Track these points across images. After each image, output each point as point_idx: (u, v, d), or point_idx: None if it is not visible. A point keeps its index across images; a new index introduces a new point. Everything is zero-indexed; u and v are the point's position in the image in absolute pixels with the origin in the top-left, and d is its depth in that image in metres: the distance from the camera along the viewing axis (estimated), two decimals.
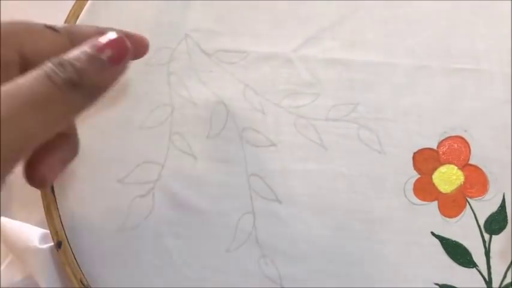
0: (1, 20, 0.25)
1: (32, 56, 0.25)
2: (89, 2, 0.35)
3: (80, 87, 0.22)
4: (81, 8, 0.35)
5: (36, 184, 0.26)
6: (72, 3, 0.35)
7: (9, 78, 0.23)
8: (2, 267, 0.36)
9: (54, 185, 0.33)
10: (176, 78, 0.34)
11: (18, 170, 0.23)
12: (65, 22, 0.35)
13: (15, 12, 0.40)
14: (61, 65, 0.22)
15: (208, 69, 0.35)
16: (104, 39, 0.23)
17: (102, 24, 0.34)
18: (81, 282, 0.32)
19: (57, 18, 0.35)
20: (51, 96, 0.22)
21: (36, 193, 0.33)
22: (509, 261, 0.32)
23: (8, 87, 0.21)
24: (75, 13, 0.35)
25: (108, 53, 0.23)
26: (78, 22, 0.35)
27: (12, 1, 0.40)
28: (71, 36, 0.27)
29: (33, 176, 0.25)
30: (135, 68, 0.34)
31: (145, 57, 0.34)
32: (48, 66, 0.22)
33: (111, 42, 0.23)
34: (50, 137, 0.22)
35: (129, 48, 0.24)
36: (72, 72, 0.22)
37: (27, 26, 0.26)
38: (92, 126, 0.34)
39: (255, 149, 0.34)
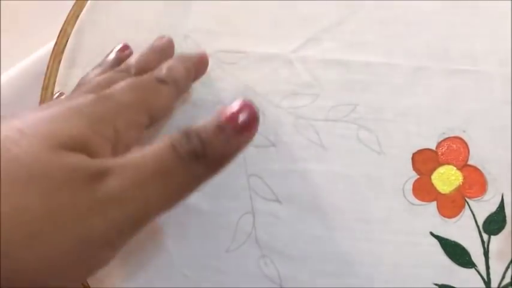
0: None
1: (156, 113, 0.26)
2: (88, 2, 0.35)
3: (204, 158, 0.22)
4: (81, 8, 0.35)
5: None
6: (72, 3, 0.35)
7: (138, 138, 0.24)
8: None
9: None
10: None
11: None
12: (65, 22, 0.35)
13: (16, 12, 0.40)
14: (187, 135, 0.22)
15: (208, 69, 0.34)
16: (232, 108, 0.23)
17: (103, 24, 0.35)
18: None
19: (57, 18, 0.35)
20: (174, 167, 0.21)
21: None
22: (508, 261, 0.32)
23: (135, 157, 0.21)
24: (75, 13, 0.35)
25: (235, 122, 0.22)
26: (78, 22, 0.35)
27: (13, 1, 0.40)
28: (176, 83, 0.28)
29: None
30: None
31: None
32: (174, 136, 0.22)
33: (239, 110, 0.23)
34: (170, 209, 0.23)
35: (257, 115, 0.23)
36: (197, 143, 0.22)
37: (147, 86, 0.26)
38: None
39: (255, 149, 0.34)
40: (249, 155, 0.34)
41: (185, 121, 0.34)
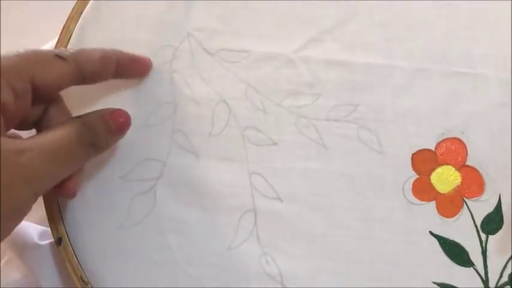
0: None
1: (42, 84, 0.28)
2: (91, 1, 0.35)
3: (97, 147, 0.30)
4: (84, 6, 0.35)
5: (67, 196, 0.31)
6: (73, 3, 0.35)
7: (23, 107, 0.28)
8: (0, 266, 0.35)
9: None
10: (179, 77, 0.35)
11: None
12: (68, 19, 0.35)
13: (16, 12, 0.40)
14: (89, 129, 0.29)
15: (210, 68, 0.35)
16: (117, 114, 0.31)
17: (105, 22, 0.35)
18: (81, 279, 0.32)
19: (58, 17, 0.35)
20: (77, 153, 0.28)
21: None
22: (506, 260, 0.33)
23: (41, 142, 0.27)
24: (78, 11, 0.35)
25: (117, 124, 0.31)
26: (81, 19, 0.35)
27: (13, 1, 0.40)
28: (78, 64, 0.30)
29: (63, 190, 0.30)
30: None
31: (148, 55, 0.34)
32: (79, 128, 0.28)
33: (121, 117, 0.31)
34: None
35: (129, 122, 0.32)
36: (95, 136, 0.29)
37: (37, 56, 0.28)
38: None
39: (257, 147, 0.34)
40: (251, 153, 0.34)
41: (187, 119, 0.34)
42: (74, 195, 0.31)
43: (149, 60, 0.34)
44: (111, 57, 0.31)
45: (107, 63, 0.31)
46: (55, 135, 0.27)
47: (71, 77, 0.29)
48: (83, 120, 0.29)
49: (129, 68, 0.33)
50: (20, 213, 0.27)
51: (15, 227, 0.27)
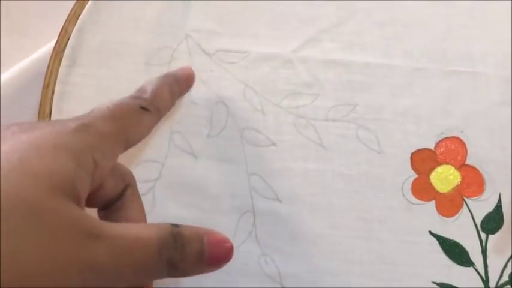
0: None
1: (134, 143, 0.27)
2: (90, 1, 0.35)
3: (176, 268, 0.24)
4: (82, 8, 0.35)
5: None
6: (72, 3, 0.35)
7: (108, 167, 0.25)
8: None
9: None
10: None
11: None
12: (66, 21, 0.35)
13: (16, 12, 0.40)
14: (175, 241, 0.23)
15: (208, 69, 0.35)
16: (220, 241, 0.25)
17: (103, 24, 0.35)
18: None
19: (58, 18, 0.35)
20: (153, 265, 0.23)
21: None
22: (506, 260, 0.33)
23: (126, 235, 0.22)
24: (75, 12, 0.35)
25: (214, 254, 0.25)
26: (79, 21, 0.35)
27: (13, 1, 0.40)
28: (159, 111, 0.29)
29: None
30: (136, 67, 0.35)
31: (146, 57, 0.35)
32: (164, 236, 0.23)
33: (223, 247, 0.25)
34: None
35: (230, 257, 0.25)
36: (178, 255, 0.23)
37: (130, 116, 0.27)
38: None
39: (255, 148, 0.34)
40: (250, 154, 0.34)
41: (186, 120, 0.34)
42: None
43: (192, 70, 0.34)
44: (176, 92, 0.32)
45: (174, 98, 0.32)
46: (137, 232, 0.23)
47: (154, 126, 0.29)
48: (175, 230, 0.24)
49: (183, 90, 0.34)
50: None
51: None
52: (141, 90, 0.29)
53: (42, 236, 0.20)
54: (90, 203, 0.27)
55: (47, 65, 0.34)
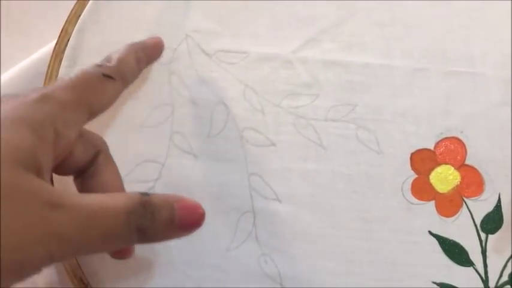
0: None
1: (98, 111, 0.27)
2: (90, 1, 0.35)
3: (146, 234, 0.24)
4: (83, 8, 0.35)
5: (120, 258, 0.29)
6: (73, 3, 0.35)
7: (74, 135, 0.25)
8: None
9: (54, 183, 0.33)
10: (177, 78, 0.35)
11: None
12: (66, 22, 0.35)
13: (16, 12, 0.40)
14: (144, 209, 0.23)
15: (208, 69, 0.35)
16: (190, 207, 0.25)
17: (104, 24, 0.35)
18: (81, 280, 0.32)
19: (58, 18, 0.35)
20: (120, 233, 0.23)
21: None
22: (506, 260, 0.33)
23: (90, 205, 0.22)
24: (76, 13, 0.35)
25: (185, 219, 0.25)
26: (79, 22, 0.35)
27: (13, 1, 0.40)
28: (124, 78, 0.28)
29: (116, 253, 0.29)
30: None
31: None
32: (132, 204, 0.23)
33: (194, 213, 0.25)
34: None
35: (201, 222, 0.25)
36: (148, 222, 0.23)
37: (89, 82, 0.26)
38: (92, 125, 0.34)
39: (255, 148, 0.34)
40: (250, 154, 0.34)
41: (186, 120, 0.34)
42: (129, 256, 0.29)
43: (161, 40, 0.32)
44: (143, 58, 0.31)
45: (141, 64, 0.30)
46: (101, 202, 0.23)
47: (119, 94, 0.28)
48: (144, 198, 0.24)
49: (153, 58, 0.32)
50: (24, 271, 0.21)
51: (13, 283, 0.22)
52: (106, 58, 0.29)
53: (3, 210, 0.20)
54: (61, 171, 0.27)
55: (47, 65, 0.34)
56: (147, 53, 0.31)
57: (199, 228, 0.25)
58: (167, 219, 0.24)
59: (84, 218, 0.22)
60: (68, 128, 0.25)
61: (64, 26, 0.35)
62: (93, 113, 0.27)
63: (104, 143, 0.29)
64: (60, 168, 0.27)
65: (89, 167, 0.28)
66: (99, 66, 0.28)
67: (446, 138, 0.34)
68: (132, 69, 0.29)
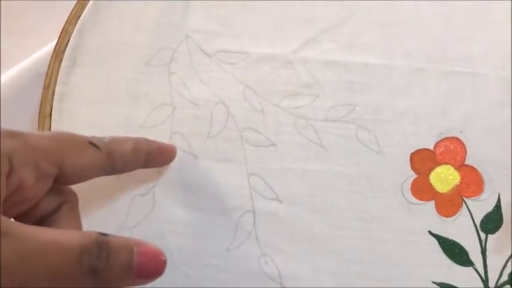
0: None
1: (70, 170, 0.25)
2: (90, 2, 0.35)
3: (99, 277, 0.22)
4: (83, 8, 0.35)
5: None
6: (73, 3, 0.35)
7: (42, 188, 0.25)
8: None
9: None
10: (177, 79, 0.35)
11: None
12: (66, 22, 0.35)
13: (16, 12, 0.40)
14: (99, 249, 0.22)
15: (208, 69, 0.35)
16: (151, 253, 0.23)
17: (104, 24, 0.35)
18: None
19: (58, 18, 0.35)
20: (68, 272, 0.21)
21: None
22: (505, 260, 0.33)
23: (29, 236, 0.21)
24: (76, 13, 0.35)
25: (143, 267, 0.23)
26: (79, 22, 0.35)
27: (13, 1, 0.40)
28: (111, 154, 0.27)
29: None
30: (136, 68, 0.35)
31: (146, 57, 0.35)
32: (86, 243, 0.22)
33: (155, 260, 0.23)
34: None
35: (162, 271, 0.24)
36: (102, 265, 0.22)
37: (70, 140, 0.26)
38: (93, 125, 0.34)
39: (255, 148, 0.34)
40: (250, 154, 0.34)
41: (186, 121, 0.34)
42: None
43: (174, 148, 0.33)
44: (142, 149, 0.30)
45: (138, 155, 0.30)
46: (53, 236, 0.21)
47: (101, 167, 0.27)
48: (101, 238, 0.22)
49: (157, 158, 0.32)
50: None
51: None
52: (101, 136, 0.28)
53: None
54: (23, 219, 0.26)
55: (47, 65, 0.34)
56: (151, 151, 0.31)
57: (159, 277, 0.23)
58: (124, 264, 0.22)
59: (31, 250, 0.21)
60: (25, 167, 0.24)
61: (64, 26, 0.35)
62: (63, 170, 0.25)
63: (74, 195, 0.28)
64: (22, 218, 0.26)
65: (49, 216, 0.27)
66: (90, 136, 0.27)
67: (446, 138, 0.34)
68: (123, 152, 0.28)
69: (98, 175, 0.28)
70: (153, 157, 0.31)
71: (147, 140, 0.31)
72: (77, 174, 0.26)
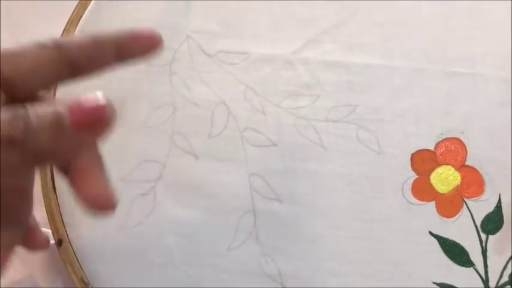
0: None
1: (13, 77, 0.21)
2: (92, 2, 0.35)
3: (21, 148, 0.19)
4: (84, 9, 0.35)
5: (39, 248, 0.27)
6: (74, 3, 0.35)
7: None
8: None
9: (55, 183, 0.33)
10: (178, 79, 0.35)
11: None
12: (68, 22, 0.35)
13: (17, 12, 0.40)
14: (14, 117, 0.19)
15: (209, 70, 0.35)
16: (84, 101, 0.20)
17: (105, 25, 0.35)
18: (81, 280, 0.32)
19: (60, 18, 0.35)
20: None
21: (37, 191, 0.33)
22: (506, 260, 0.33)
23: None
24: (77, 14, 0.35)
25: (78, 116, 0.19)
26: (81, 22, 0.35)
27: (13, 1, 0.40)
28: (60, 48, 0.22)
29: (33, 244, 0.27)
30: (137, 68, 0.35)
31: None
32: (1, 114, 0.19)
33: (88, 109, 0.20)
34: None
35: (108, 120, 0.20)
36: (20, 129, 0.19)
37: (7, 49, 0.22)
38: None
39: (256, 148, 0.34)
40: (251, 154, 0.34)
41: (186, 121, 0.34)
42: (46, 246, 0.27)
43: (155, 32, 0.24)
44: (107, 38, 0.24)
45: (101, 45, 0.23)
46: None
47: (53, 65, 0.22)
48: (19, 110, 0.19)
49: (131, 47, 0.24)
50: None
51: None
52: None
53: None
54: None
55: None
56: (120, 39, 0.24)
57: (105, 123, 0.20)
58: (51, 119, 0.19)
59: None
60: None
61: (66, 26, 0.35)
62: (7, 80, 0.21)
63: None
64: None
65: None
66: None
67: (446, 138, 0.35)
68: (79, 43, 0.23)
69: (56, 79, 0.23)
70: (126, 46, 0.24)
71: (117, 29, 0.24)
72: (25, 82, 0.21)
